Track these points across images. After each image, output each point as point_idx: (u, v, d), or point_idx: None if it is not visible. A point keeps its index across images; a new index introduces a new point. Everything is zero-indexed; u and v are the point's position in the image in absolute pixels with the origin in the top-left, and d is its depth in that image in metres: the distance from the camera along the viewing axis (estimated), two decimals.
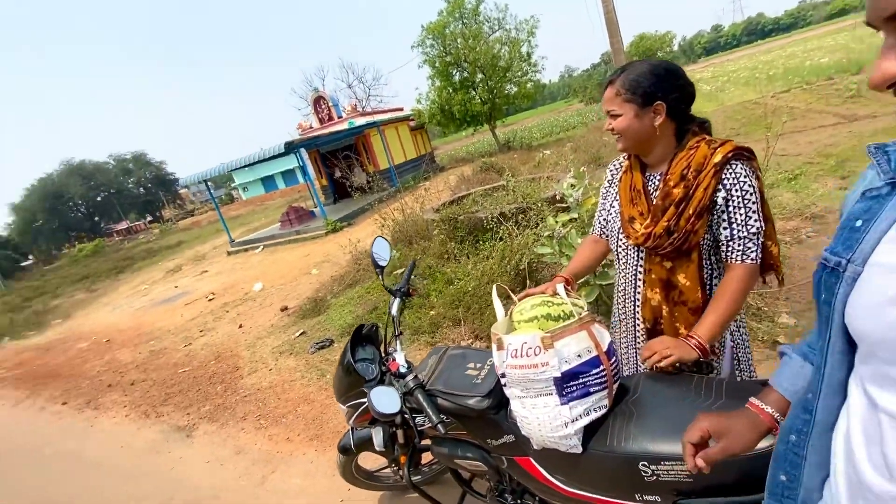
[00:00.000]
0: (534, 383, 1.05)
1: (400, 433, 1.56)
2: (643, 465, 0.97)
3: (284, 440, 3.02)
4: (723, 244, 1.15)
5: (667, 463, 0.94)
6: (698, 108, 1.22)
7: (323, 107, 16.98)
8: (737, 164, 1.09)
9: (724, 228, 1.12)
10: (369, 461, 2.15)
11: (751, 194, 1.09)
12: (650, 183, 1.24)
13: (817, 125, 7.98)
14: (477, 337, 3.67)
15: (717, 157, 1.08)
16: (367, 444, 1.69)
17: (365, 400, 1.33)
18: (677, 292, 1.21)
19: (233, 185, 49.11)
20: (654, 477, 0.96)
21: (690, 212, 1.10)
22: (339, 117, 16.59)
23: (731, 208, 1.10)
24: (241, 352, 4.94)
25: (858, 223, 0.53)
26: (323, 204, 15.05)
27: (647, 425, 1.02)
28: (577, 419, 1.04)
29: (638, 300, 1.31)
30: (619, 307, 1.41)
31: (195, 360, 5.13)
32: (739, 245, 1.12)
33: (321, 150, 15.94)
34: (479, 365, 1.36)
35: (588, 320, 1.09)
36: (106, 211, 42.41)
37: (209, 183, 14.54)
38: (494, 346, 1.12)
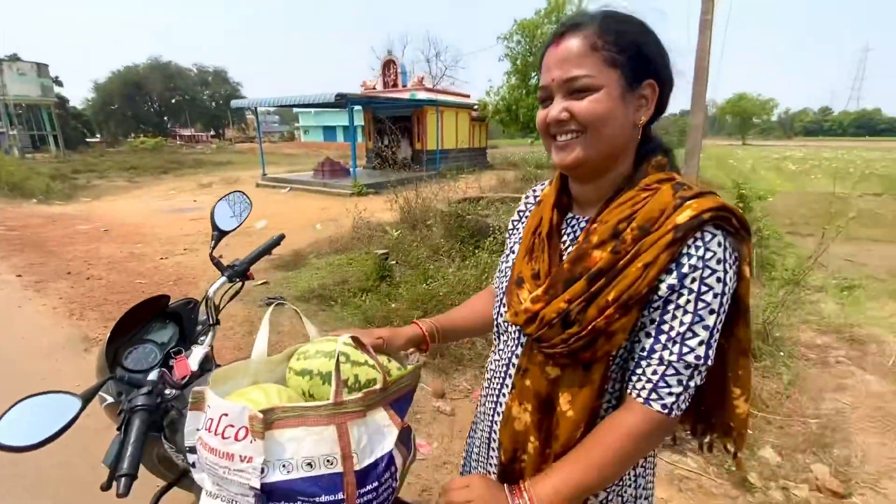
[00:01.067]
0: (227, 483, 0.63)
1: None
2: None
3: None
4: (633, 362, 0.66)
5: None
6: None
7: (391, 72, 16.75)
8: (712, 236, 0.60)
9: (647, 337, 0.64)
10: None
11: (717, 296, 0.60)
12: (569, 228, 0.76)
13: None
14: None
15: (683, 216, 0.60)
16: None
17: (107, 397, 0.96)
18: (554, 420, 0.70)
19: (297, 125, 50.49)
20: None
21: (611, 297, 0.62)
22: (404, 86, 16.32)
23: (671, 307, 0.61)
24: (202, 283, 4.74)
25: None
26: (360, 166, 14.92)
27: None
28: None
29: (499, 412, 0.80)
30: (480, 411, 0.90)
31: (158, 275, 4.98)
32: (655, 373, 0.62)
33: (376, 113, 15.76)
34: None
35: (355, 408, 0.65)
36: (176, 114, 44.45)
37: (259, 112, 14.59)
38: (190, 402, 0.69)
